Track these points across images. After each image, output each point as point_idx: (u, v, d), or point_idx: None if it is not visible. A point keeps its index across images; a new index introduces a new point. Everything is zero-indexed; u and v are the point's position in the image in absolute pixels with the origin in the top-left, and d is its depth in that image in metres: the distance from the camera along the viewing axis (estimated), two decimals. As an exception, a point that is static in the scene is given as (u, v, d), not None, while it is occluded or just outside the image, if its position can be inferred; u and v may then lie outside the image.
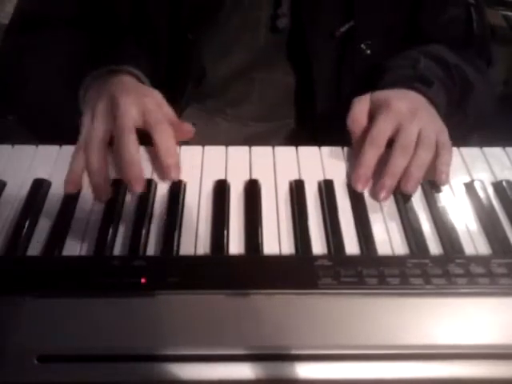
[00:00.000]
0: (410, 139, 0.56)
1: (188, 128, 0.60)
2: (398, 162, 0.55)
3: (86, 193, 0.56)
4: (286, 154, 0.62)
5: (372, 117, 0.59)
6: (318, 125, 0.76)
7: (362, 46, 0.71)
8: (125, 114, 0.55)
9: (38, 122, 0.71)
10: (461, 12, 0.75)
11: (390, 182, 0.55)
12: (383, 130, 0.57)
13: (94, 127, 0.56)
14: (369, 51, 0.72)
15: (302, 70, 0.75)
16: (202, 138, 0.63)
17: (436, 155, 0.57)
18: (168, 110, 0.59)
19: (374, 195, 0.56)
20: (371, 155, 0.56)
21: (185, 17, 0.69)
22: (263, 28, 0.72)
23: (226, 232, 0.52)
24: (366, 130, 0.59)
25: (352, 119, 0.60)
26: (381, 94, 0.61)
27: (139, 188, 0.54)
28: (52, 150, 0.61)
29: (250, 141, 0.65)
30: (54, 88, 0.67)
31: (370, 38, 0.71)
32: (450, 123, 0.61)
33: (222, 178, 0.58)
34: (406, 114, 0.57)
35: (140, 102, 0.57)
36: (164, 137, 0.56)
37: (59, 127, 0.67)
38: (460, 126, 0.70)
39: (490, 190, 0.58)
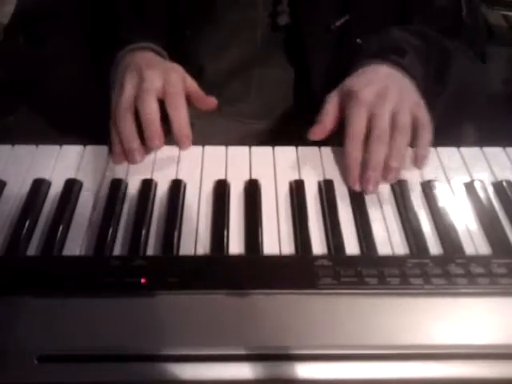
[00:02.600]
0: (383, 126, 0.56)
1: (211, 101, 0.61)
2: (377, 153, 0.56)
3: (86, 193, 0.56)
4: (286, 154, 0.62)
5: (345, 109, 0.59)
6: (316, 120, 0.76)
7: (358, 40, 0.72)
8: (148, 82, 0.58)
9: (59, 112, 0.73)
10: (449, 2, 0.75)
11: (373, 173, 0.56)
12: (357, 124, 0.57)
13: (121, 98, 0.58)
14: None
15: (299, 65, 0.75)
16: (200, 137, 0.63)
17: (414, 136, 0.57)
18: (190, 83, 0.61)
19: (362, 189, 0.56)
20: (356, 154, 0.57)
21: (182, 13, 0.70)
22: (261, 25, 0.72)
23: (225, 232, 0.52)
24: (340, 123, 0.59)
25: (322, 119, 0.60)
26: (348, 85, 0.60)
27: (158, 143, 0.57)
28: (52, 149, 0.61)
29: (248, 138, 0.65)
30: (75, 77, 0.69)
31: (365, 33, 0.71)
32: (429, 97, 0.61)
33: (222, 178, 0.58)
34: (374, 100, 0.57)
35: (164, 73, 0.59)
36: (177, 108, 0.58)
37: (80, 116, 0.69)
38: (440, 101, 0.69)
39: (490, 190, 0.58)
